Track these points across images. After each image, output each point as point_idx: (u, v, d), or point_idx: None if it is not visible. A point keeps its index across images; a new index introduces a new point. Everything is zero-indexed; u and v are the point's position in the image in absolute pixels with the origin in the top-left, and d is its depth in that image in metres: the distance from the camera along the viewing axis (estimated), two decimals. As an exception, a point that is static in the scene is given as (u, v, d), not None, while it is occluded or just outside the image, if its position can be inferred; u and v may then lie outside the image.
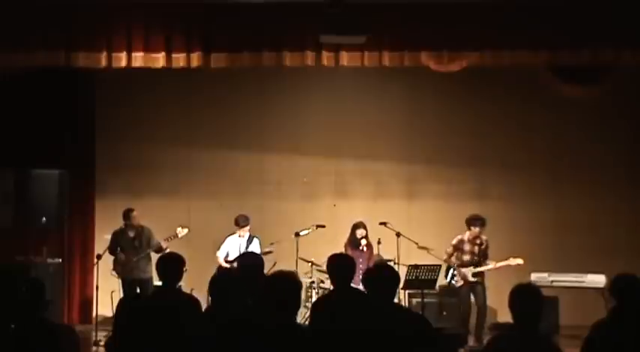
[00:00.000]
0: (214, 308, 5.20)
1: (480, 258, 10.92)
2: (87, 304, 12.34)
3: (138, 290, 10.99)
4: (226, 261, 11.31)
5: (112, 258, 11.32)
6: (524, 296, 4.73)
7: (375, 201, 12.82)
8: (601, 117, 12.55)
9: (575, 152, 12.76)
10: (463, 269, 10.87)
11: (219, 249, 11.40)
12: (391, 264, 10.15)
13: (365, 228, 11.17)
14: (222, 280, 5.29)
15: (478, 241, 10.93)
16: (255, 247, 11.31)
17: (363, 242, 11.11)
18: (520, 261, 10.91)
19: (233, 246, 11.38)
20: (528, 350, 4.63)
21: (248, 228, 11.38)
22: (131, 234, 11.28)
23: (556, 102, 12.04)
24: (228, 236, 11.46)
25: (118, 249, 11.26)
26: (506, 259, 10.93)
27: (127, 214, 11.25)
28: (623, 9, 10.13)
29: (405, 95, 12.84)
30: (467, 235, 10.94)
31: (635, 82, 12.01)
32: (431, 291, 11.09)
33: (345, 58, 10.32)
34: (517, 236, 12.37)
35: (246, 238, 11.38)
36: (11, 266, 10.17)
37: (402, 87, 12.69)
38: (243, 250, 11.23)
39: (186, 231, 11.24)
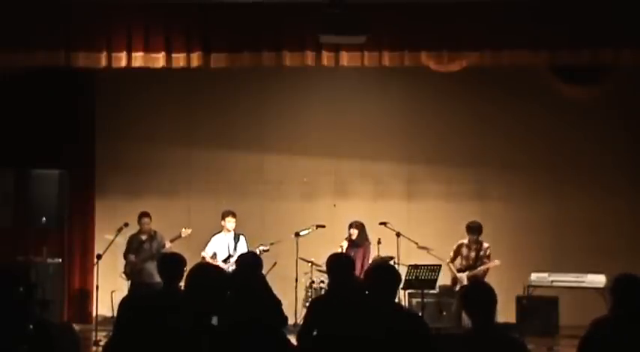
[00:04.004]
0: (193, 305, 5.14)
1: (478, 262, 10.93)
2: (87, 304, 12.34)
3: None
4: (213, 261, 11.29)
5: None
6: (476, 294, 4.73)
7: (375, 201, 12.82)
8: (601, 117, 12.55)
9: (575, 152, 12.76)
10: (459, 274, 10.91)
11: (204, 249, 11.37)
12: (391, 262, 10.13)
13: (356, 227, 11.09)
14: (201, 277, 5.23)
15: (477, 246, 10.95)
16: (243, 245, 11.31)
17: (344, 244, 11.05)
18: (497, 263, 10.94)
19: (220, 245, 11.36)
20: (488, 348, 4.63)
21: (234, 220, 11.35)
22: (143, 237, 11.41)
23: (556, 102, 12.03)
24: (214, 235, 11.45)
25: (132, 253, 11.37)
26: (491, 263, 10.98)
27: (139, 219, 11.37)
28: (622, 9, 10.13)
29: (405, 95, 12.84)
30: (466, 240, 10.99)
31: (635, 82, 12.00)
32: (431, 291, 11.08)
33: (345, 58, 10.32)
34: (517, 236, 12.38)
35: (233, 236, 11.36)
36: (11, 266, 10.17)
37: (402, 87, 12.69)
38: (232, 248, 11.22)
39: (189, 231, 11.28)
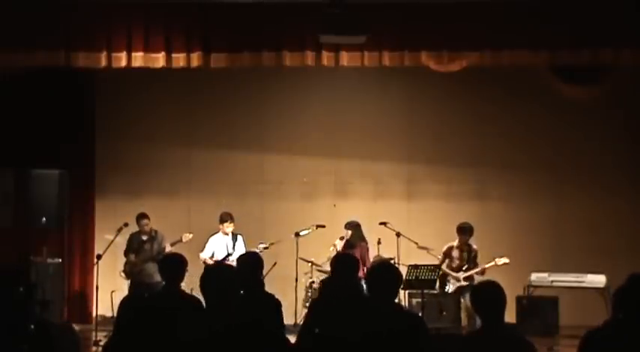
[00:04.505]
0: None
1: (469, 264, 10.93)
2: (87, 304, 12.34)
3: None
4: (213, 261, 11.27)
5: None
6: (486, 293, 4.78)
7: (375, 201, 12.82)
8: (601, 117, 12.54)
9: (575, 152, 12.75)
10: (454, 275, 10.90)
11: (202, 249, 11.37)
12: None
13: (350, 228, 11.08)
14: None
15: (467, 248, 10.95)
16: (241, 244, 11.32)
17: (337, 242, 11.04)
18: (506, 260, 10.91)
19: (219, 245, 11.37)
20: (496, 347, 4.64)
21: (233, 224, 11.36)
22: (144, 236, 11.41)
23: (556, 102, 12.03)
24: (211, 236, 11.45)
25: (132, 252, 11.38)
26: (492, 261, 10.93)
27: (137, 220, 11.35)
28: (622, 9, 10.13)
29: (405, 95, 12.84)
30: (456, 242, 10.98)
31: (635, 82, 12.00)
32: (431, 291, 11.08)
33: (345, 58, 10.33)
34: (517, 236, 12.37)
35: (230, 236, 11.37)
36: (11, 266, 10.16)
37: (402, 87, 12.69)
38: (230, 248, 11.23)
39: (191, 236, 11.27)
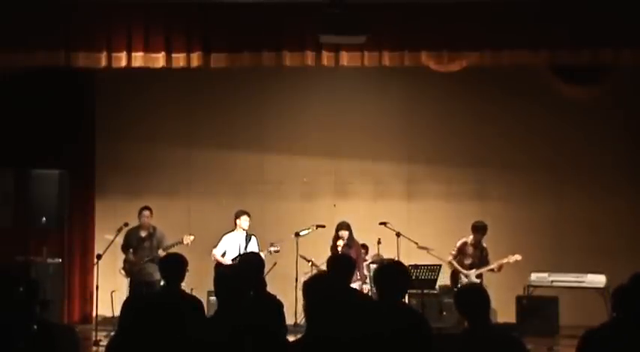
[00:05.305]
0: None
1: (481, 262, 10.95)
2: (87, 304, 12.34)
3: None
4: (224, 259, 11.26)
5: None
6: (467, 296, 4.88)
7: (375, 201, 12.82)
8: (601, 117, 12.54)
9: (575, 152, 12.75)
10: (465, 272, 10.90)
11: (215, 246, 11.36)
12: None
13: (347, 228, 11.04)
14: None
15: (480, 246, 10.98)
16: (254, 246, 11.30)
17: (340, 243, 11.02)
18: (518, 257, 10.93)
19: (232, 244, 11.34)
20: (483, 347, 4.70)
21: (249, 219, 11.32)
22: (142, 233, 11.32)
23: (556, 102, 12.03)
24: (225, 234, 11.42)
25: (130, 249, 11.31)
26: (505, 257, 10.93)
27: (139, 213, 11.30)
28: (622, 9, 10.14)
29: (405, 95, 12.84)
30: (470, 239, 10.99)
31: (635, 82, 12.00)
32: (431, 291, 11.09)
33: (345, 58, 10.33)
34: (517, 236, 12.37)
35: (244, 237, 11.35)
36: (11, 267, 10.17)
37: (402, 87, 12.69)
38: (243, 248, 11.21)
39: (192, 238, 11.19)
